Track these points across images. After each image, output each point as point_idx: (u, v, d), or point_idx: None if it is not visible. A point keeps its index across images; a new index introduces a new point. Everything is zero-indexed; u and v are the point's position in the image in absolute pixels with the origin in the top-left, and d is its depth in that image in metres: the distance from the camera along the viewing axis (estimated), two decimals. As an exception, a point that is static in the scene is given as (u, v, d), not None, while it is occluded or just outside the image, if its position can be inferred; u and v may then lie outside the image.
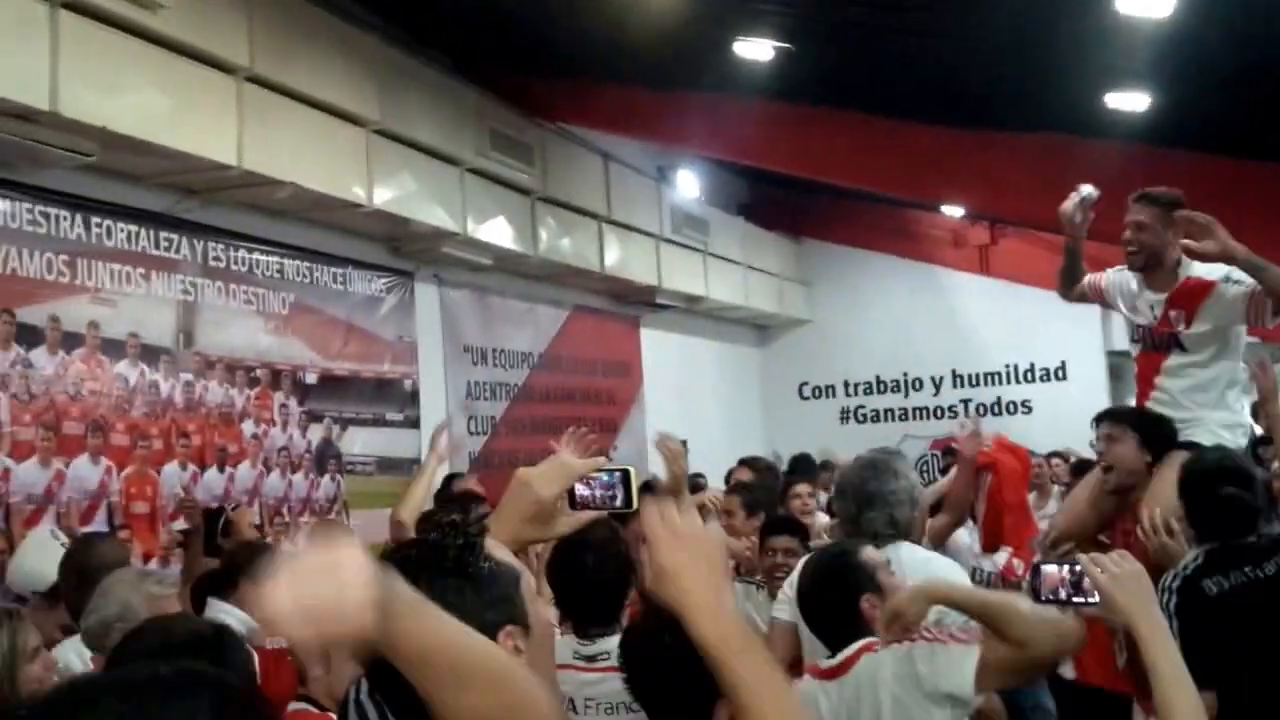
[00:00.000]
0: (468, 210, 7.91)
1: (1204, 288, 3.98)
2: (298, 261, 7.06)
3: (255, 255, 6.75)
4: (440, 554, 1.55)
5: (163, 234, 6.08)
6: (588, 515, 2.01)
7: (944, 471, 9.24)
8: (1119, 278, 4.33)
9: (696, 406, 12.09)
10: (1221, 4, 5.78)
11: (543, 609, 1.69)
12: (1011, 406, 13.46)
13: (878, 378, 13.84)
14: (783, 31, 7.72)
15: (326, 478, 7.13)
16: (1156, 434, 3.81)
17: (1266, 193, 7.85)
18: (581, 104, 9.42)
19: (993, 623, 2.49)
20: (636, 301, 10.94)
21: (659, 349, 11.53)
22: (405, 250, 7.96)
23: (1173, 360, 4.04)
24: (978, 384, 13.46)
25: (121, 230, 5.83)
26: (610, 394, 10.71)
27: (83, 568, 3.50)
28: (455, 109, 7.85)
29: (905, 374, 13.67)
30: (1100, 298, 4.46)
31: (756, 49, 7.89)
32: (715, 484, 7.67)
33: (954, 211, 12.87)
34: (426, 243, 7.85)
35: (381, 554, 1.58)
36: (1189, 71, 6.96)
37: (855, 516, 3.38)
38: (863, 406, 13.95)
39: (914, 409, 13.63)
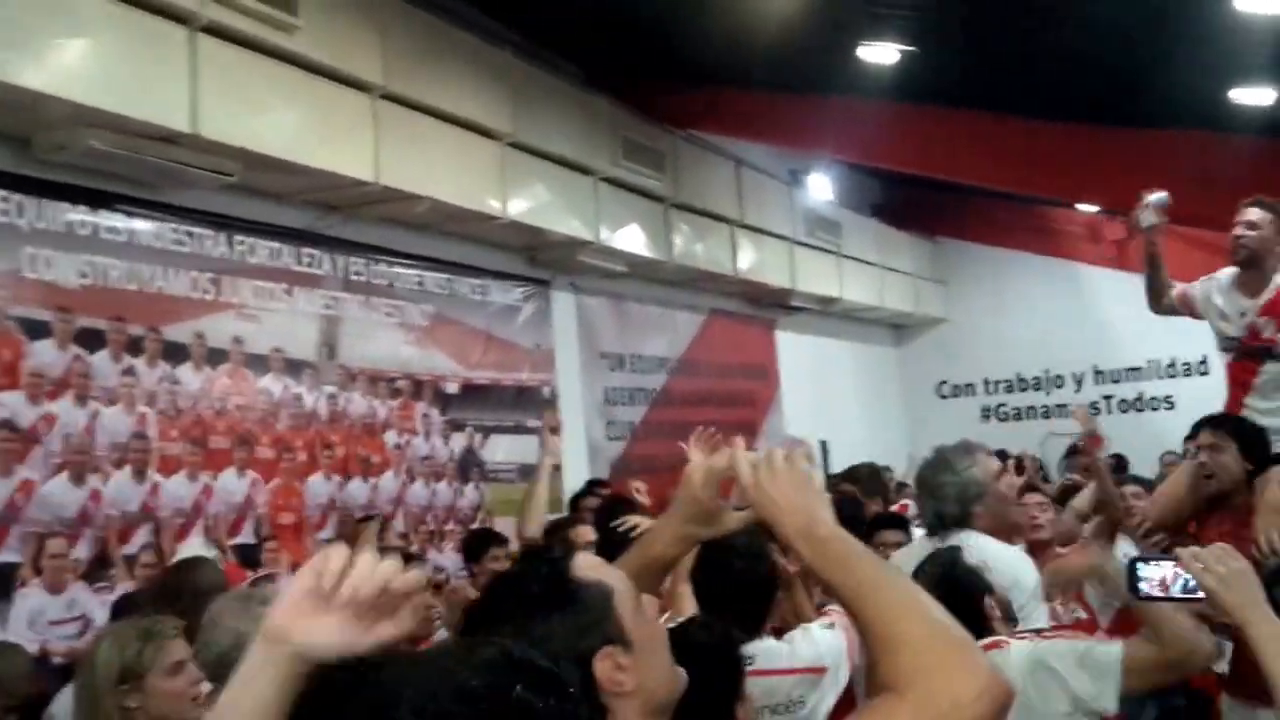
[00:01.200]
0: (601, 218, 7.63)
1: None
2: (436, 274, 6.87)
3: (395, 269, 6.58)
4: (524, 585, 1.45)
5: (304, 250, 5.94)
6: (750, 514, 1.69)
7: (1070, 469, 8.60)
8: (1205, 287, 4.22)
9: (834, 408, 11.59)
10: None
11: (651, 611, 1.52)
12: (1154, 402, 12.58)
13: (1018, 375, 13.13)
14: (906, 34, 7.31)
15: (470, 486, 6.91)
16: (1259, 443, 3.67)
17: None
18: (711, 110, 9.09)
19: (1160, 622, 2.40)
20: (771, 304, 10.53)
21: (795, 351, 11.07)
22: (541, 259, 7.72)
23: (1266, 371, 3.92)
24: (1119, 380, 12.65)
25: (264, 248, 5.70)
26: (748, 397, 10.31)
27: (179, 593, 3.23)
28: (587, 119, 7.58)
29: (1046, 371, 12.94)
30: (1190, 308, 4.30)
31: (881, 52, 7.48)
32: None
33: (1089, 207, 12.08)
34: (562, 251, 7.59)
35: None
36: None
37: (923, 509, 3.43)
38: (1004, 404, 13.23)
39: (1055, 406, 12.82)
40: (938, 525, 3.29)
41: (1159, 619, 2.40)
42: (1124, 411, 12.65)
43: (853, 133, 9.19)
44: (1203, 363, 12.27)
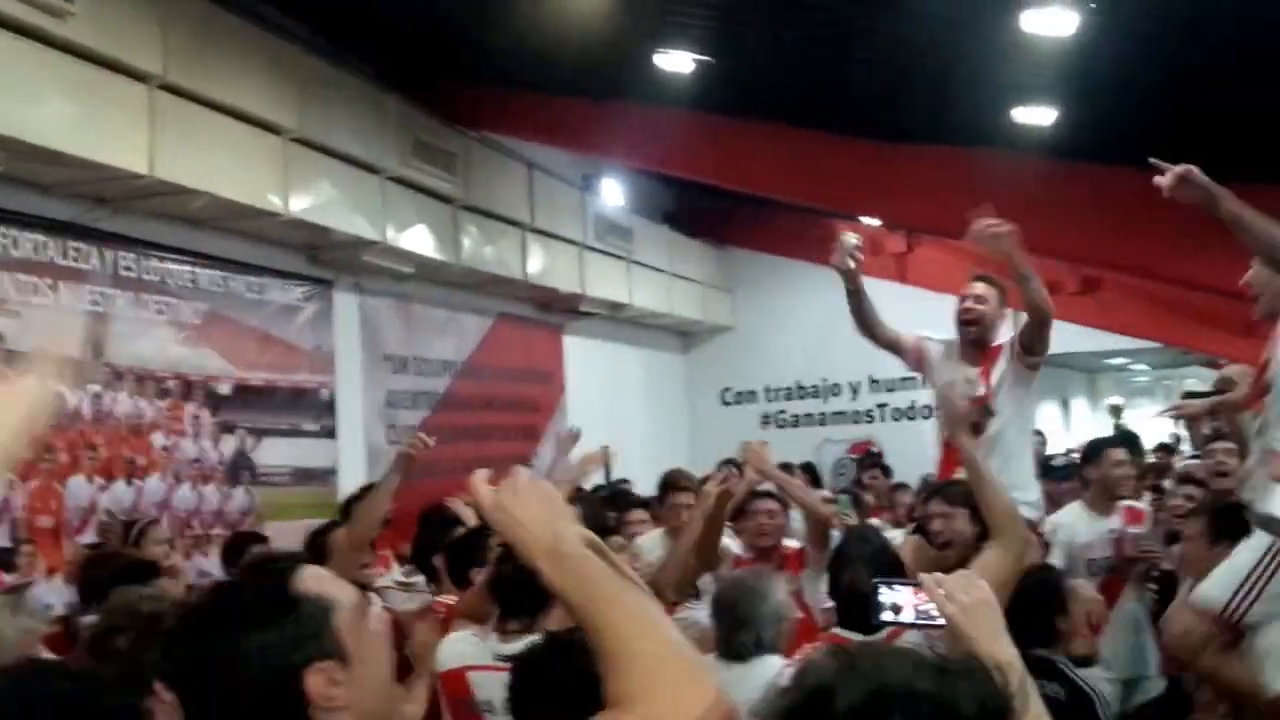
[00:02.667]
0: (388, 218, 7.81)
1: (997, 351, 4.33)
2: (211, 271, 6.92)
3: (168, 264, 6.60)
4: (243, 596, 1.52)
5: (71, 244, 5.92)
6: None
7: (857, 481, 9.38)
8: (939, 351, 4.57)
9: (620, 413, 12.08)
10: (1123, 23, 5.91)
11: (368, 632, 1.55)
12: (926, 411, 13.62)
13: (798, 383, 13.93)
14: (703, 44, 7.77)
15: (240, 490, 6.99)
16: None
17: (1171, 204, 8.01)
18: (504, 112, 9.36)
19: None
20: (560, 309, 10.90)
21: (582, 356, 11.50)
22: (324, 259, 7.84)
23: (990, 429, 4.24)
24: (894, 389, 13.58)
25: (28, 240, 5.66)
26: (533, 402, 10.66)
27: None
28: (376, 117, 7.76)
29: (824, 379, 13.77)
30: (917, 360, 4.63)
31: (678, 61, 7.92)
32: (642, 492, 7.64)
33: (872, 220, 13.00)
34: (346, 251, 7.74)
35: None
36: (1092, 87, 7.12)
37: (727, 636, 3.49)
38: (783, 411, 14.04)
39: (832, 414, 13.75)
40: (750, 650, 3.43)
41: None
42: (897, 420, 13.63)
43: (646, 140, 9.65)
44: (971, 375, 13.40)
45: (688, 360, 14.36)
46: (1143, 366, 18.12)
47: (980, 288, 4.41)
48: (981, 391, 4.29)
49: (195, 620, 1.50)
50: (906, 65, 7.35)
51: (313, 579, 1.52)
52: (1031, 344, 4.30)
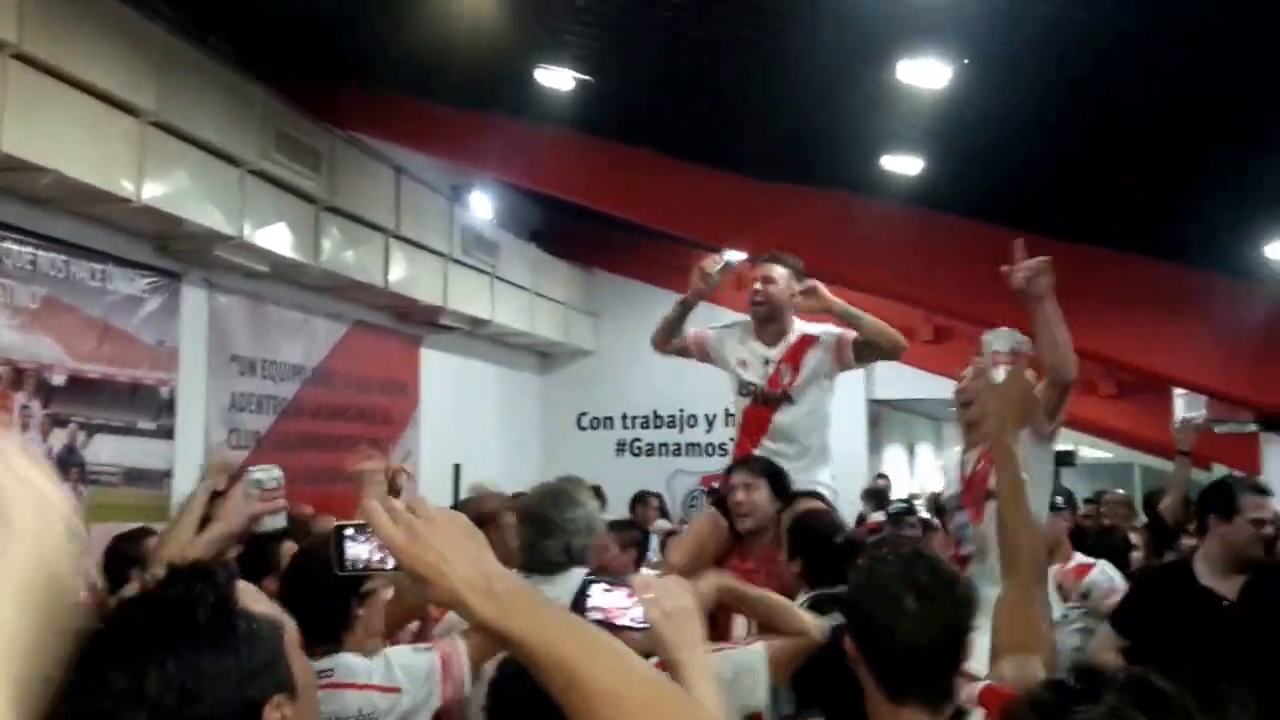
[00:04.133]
0: (245, 213, 7.62)
1: (809, 341, 4.38)
2: (53, 254, 6.64)
3: (7, 244, 6.31)
4: (187, 615, 1.33)
5: (-103, 214, 5.61)
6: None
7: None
8: (721, 334, 4.64)
9: (473, 431, 12.01)
10: (995, 82, 6.17)
11: (302, 659, 1.47)
12: (782, 448, 13.89)
13: (655, 412, 14.06)
14: (585, 64, 7.83)
15: (66, 487, 6.67)
16: (785, 481, 4.07)
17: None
18: (377, 114, 9.28)
19: (777, 616, 2.80)
20: (419, 320, 10.79)
21: (439, 370, 11.39)
22: (174, 250, 7.60)
23: (781, 415, 4.33)
24: (748, 424, 13.82)
25: None
26: (384, 413, 10.50)
27: None
28: (240, 107, 7.58)
29: (681, 410, 13.93)
30: (703, 352, 4.72)
31: (558, 78, 7.96)
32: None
33: (739, 255, 13.23)
34: (198, 244, 7.51)
35: (104, 615, 1.38)
36: (959, 141, 7.43)
37: (533, 543, 3.40)
38: (639, 440, 14.15)
39: (687, 445, 13.92)
40: (564, 560, 3.33)
41: (779, 615, 2.87)
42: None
43: (520, 155, 9.67)
44: (825, 415, 13.74)
45: (545, 382, 14.36)
46: (988, 416, 18.81)
47: (770, 269, 4.44)
48: (780, 374, 4.36)
49: (128, 645, 1.29)
50: (782, 105, 7.53)
51: (252, 596, 1.43)
52: (860, 355, 4.37)
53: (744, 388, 4.46)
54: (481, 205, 11.45)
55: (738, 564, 4.00)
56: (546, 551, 3.36)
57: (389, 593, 3.13)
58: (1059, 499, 4.92)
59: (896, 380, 13.86)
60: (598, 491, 9.73)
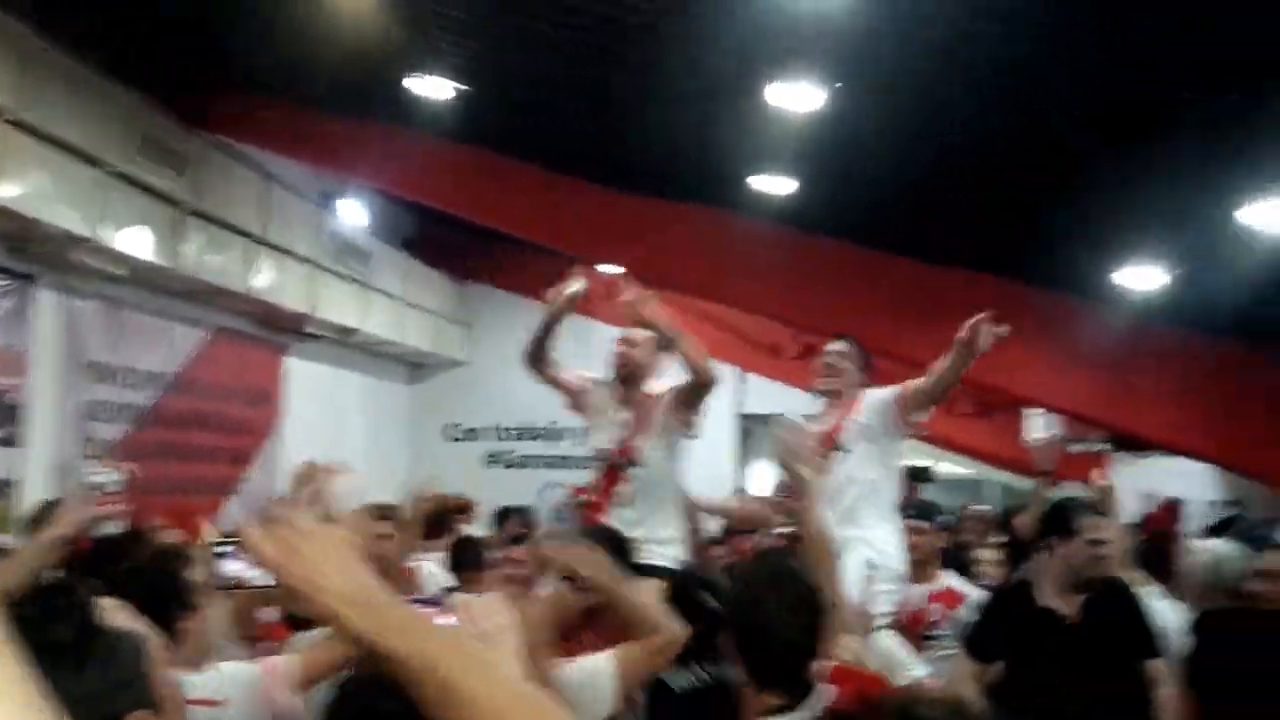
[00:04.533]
0: (104, 215, 7.39)
1: (655, 400, 4.39)
2: (-106, 252, 6.33)
3: None
4: (50, 633, 1.32)
5: None
6: None
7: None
8: (596, 389, 4.61)
9: (339, 442, 11.79)
10: (865, 104, 6.34)
11: (167, 674, 1.45)
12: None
13: (526, 425, 14.03)
14: (463, 73, 7.78)
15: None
16: (628, 553, 3.78)
17: (888, 285, 8.66)
18: (246, 118, 9.08)
19: (633, 613, 2.80)
20: (285, 329, 10.56)
21: (305, 379, 11.17)
22: (29, 252, 7.31)
23: (635, 478, 4.33)
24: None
25: None
26: (246, 423, 10.25)
27: None
28: (103, 108, 7.35)
29: (553, 423, 13.88)
30: (578, 398, 4.67)
31: (434, 86, 7.90)
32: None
33: (612, 269, 13.30)
34: (54, 246, 7.25)
35: None
36: (830, 164, 7.60)
37: None
38: (510, 452, 14.10)
39: (558, 458, 13.90)
40: None
41: (636, 613, 2.85)
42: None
43: (393, 162, 9.55)
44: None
45: (414, 392, 14.20)
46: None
47: (633, 333, 4.49)
48: (630, 438, 4.37)
49: None
50: (658, 121, 7.60)
51: (112, 611, 1.42)
52: (687, 401, 4.40)
53: (596, 450, 4.52)
54: (353, 212, 11.28)
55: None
56: None
57: (271, 613, 3.07)
58: (924, 518, 5.01)
59: (765, 395, 14.10)
60: (526, 512, 9.73)
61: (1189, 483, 10.27)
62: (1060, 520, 3.87)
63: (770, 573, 2.50)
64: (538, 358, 4.70)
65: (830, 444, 4.22)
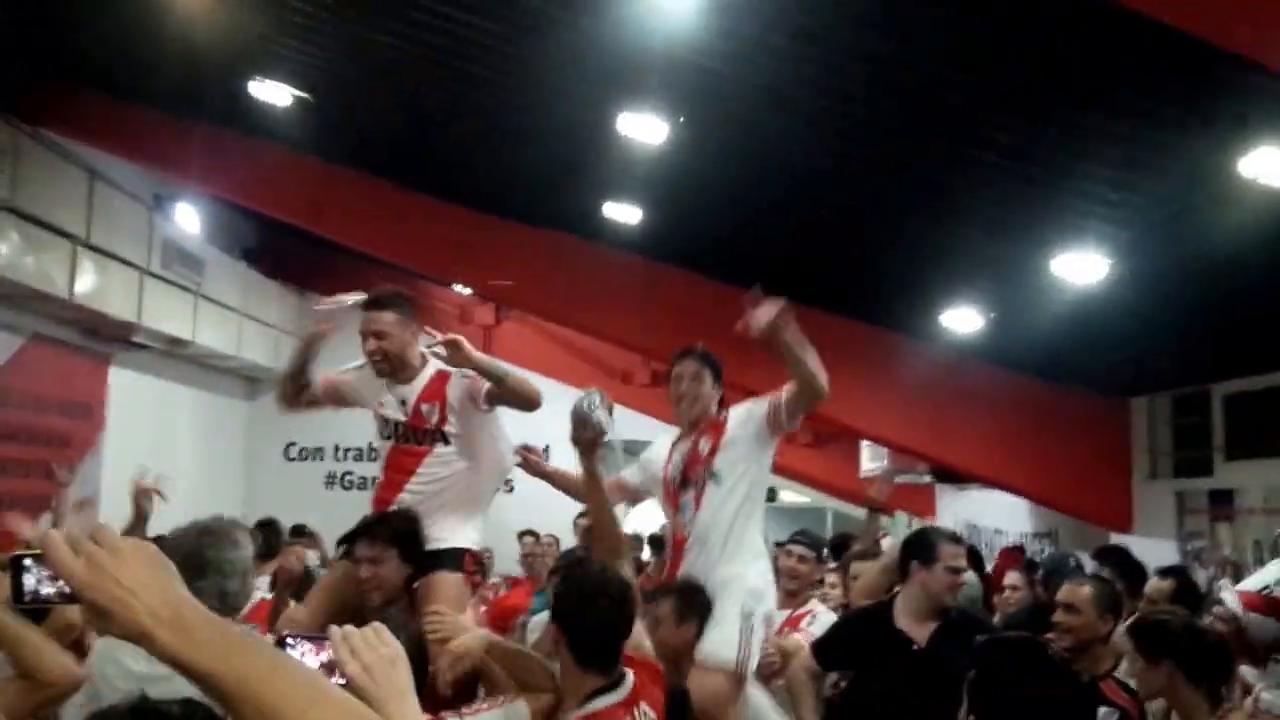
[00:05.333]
0: (-96, 209, 6.87)
1: (446, 375, 4.02)
2: None
3: None
4: None
5: None
6: None
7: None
8: (359, 375, 4.20)
9: (168, 459, 11.21)
10: (706, 138, 6.35)
11: None
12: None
13: (369, 444, 13.59)
14: (304, 81, 7.53)
15: None
16: (415, 545, 3.73)
17: (740, 315, 8.66)
18: (72, 112, 8.65)
19: (529, 673, 2.94)
20: (109, 337, 10.02)
21: (131, 391, 10.63)
22: None
23: (432, 454, 3.99)
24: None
25: None
26: (64, 436, 9.69)
27: None
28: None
29: (396, 444, 13.56)
30: (339, 398, 4.30)
31: (274, 92, 7.62)
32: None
33: (464, 288, 13.10)
34: None
35: None
36: (675, 194, 7.62)
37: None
38: (350, 473, 13.73)
39: (401, 481, 13.58)
40: (217, 608, 3.11)
41: (531, 672, 2.89)
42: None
43: (230, 168, 9.21)
44: (545, 450, 13.79)
45: (252, 408, 13.69)
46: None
47: (376, 319, 3.96)
48: (423, 412, 3.99)
49: None
50: (509, 142, 7.50)
51: None
52: (493, 402, 4.00)
53: (386, 428, 4.06)
54: (187, 218, 10.82)
55: None
56: (199, 596, 3.05)
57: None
58: (814, 549, 4.89)
59: (616, 422, 14.04)
60: (302, 529, 9.36)
61: (1006, 515, 10.64)
62: (922, 547, 3.88)
63: (595, 576, 2.95)
64: (294, 394, 4.23)
65: (700, 473, 3.94)
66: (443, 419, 3.98)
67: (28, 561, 1.39)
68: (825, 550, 5.60)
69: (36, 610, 2.58)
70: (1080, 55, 4.33)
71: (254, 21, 6.86)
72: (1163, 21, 3.43)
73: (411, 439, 4.02)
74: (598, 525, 3.67)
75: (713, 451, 3.92)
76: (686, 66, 5.31)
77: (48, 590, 1.39)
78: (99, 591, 1.26)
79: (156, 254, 10.06)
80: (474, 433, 4.03)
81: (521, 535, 8.18)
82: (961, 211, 6.31)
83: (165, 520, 8.80)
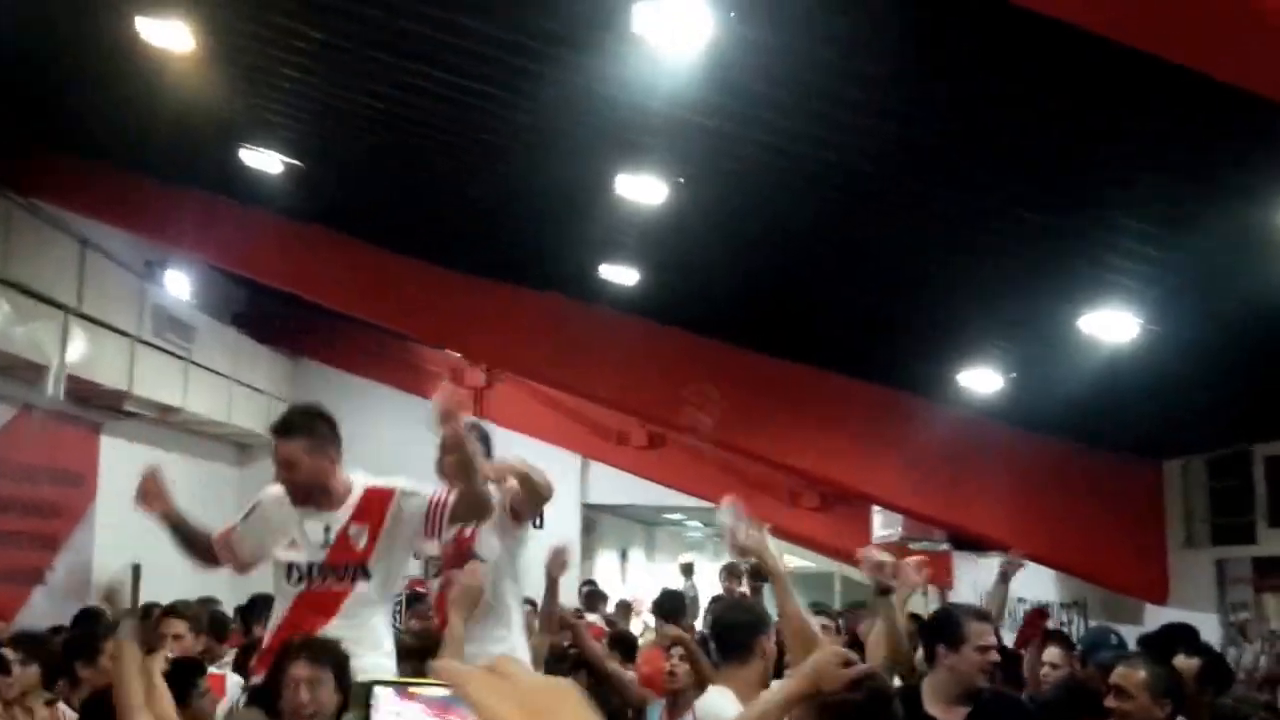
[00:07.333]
0: (-106, 280, 6.75)
1: (385, 496, 3.63)
2: None
3: None
4: None
5: None
6: None
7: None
8: (251, 521, 3.81)
9: (159, 528, 11.03)
10: (706, 199, 6.28)
11: None
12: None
13: (363, 509, 13.44)
14: (294, 148, 7.47)
15: None
16: (348, 673, 3.26)
17: (734, 378, 8.59)
18: (63, 181, 8.59)
19: None
20: (100, 405, 9.87)
21: (121, 460, 10.40)
22: None
23: (354, 593, 3.57)
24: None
25: None
26: (55, 506, 9.53)
27: None
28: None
29: (391, 507, 13.36)
30: (234, 555, 3.83)
31: (265, 159, 7.57)
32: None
33: (453, 353, 13.01)
34: None
35: None
36: (673, 256, 7.53)
37: None
38: (342, 539, 13.48)
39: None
40: None
41: None
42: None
43: (220, 234, 9.12)
44: (537, 518, 13.64)
45: (244, 475, 13.47)
46: (696, 523, 19.15)
47: (284, 448, 3.59)
48: (349, 540, 3.59)
49: None
50: (503, 205, 7.42)
51: None
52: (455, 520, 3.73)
53: (293, 570, 3.60)
54: (178, 284, 10.71)
55: None
56: None
57: None
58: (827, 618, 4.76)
59: (610, 486, 13.89)
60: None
61: (1031, 584, 10.27)
62: (947, 628, 3.67)
63: None
64: (201, 559, 3.90)
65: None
66: (369, 548, 3.55)
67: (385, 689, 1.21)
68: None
69: None
70: (1112, 108, 4.20)
71: (244, 90, 6.80)
72: (1203, 71, 3.32)
73: (331, 577, 3.58)
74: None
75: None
76: (687, 125, 5.22)
77: None
78: None
79: (147, 321, 9.95)
80: (396, 564, 3.68)
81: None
82: (981, 268, 6.12)
83: (159, 586, 8.65)
